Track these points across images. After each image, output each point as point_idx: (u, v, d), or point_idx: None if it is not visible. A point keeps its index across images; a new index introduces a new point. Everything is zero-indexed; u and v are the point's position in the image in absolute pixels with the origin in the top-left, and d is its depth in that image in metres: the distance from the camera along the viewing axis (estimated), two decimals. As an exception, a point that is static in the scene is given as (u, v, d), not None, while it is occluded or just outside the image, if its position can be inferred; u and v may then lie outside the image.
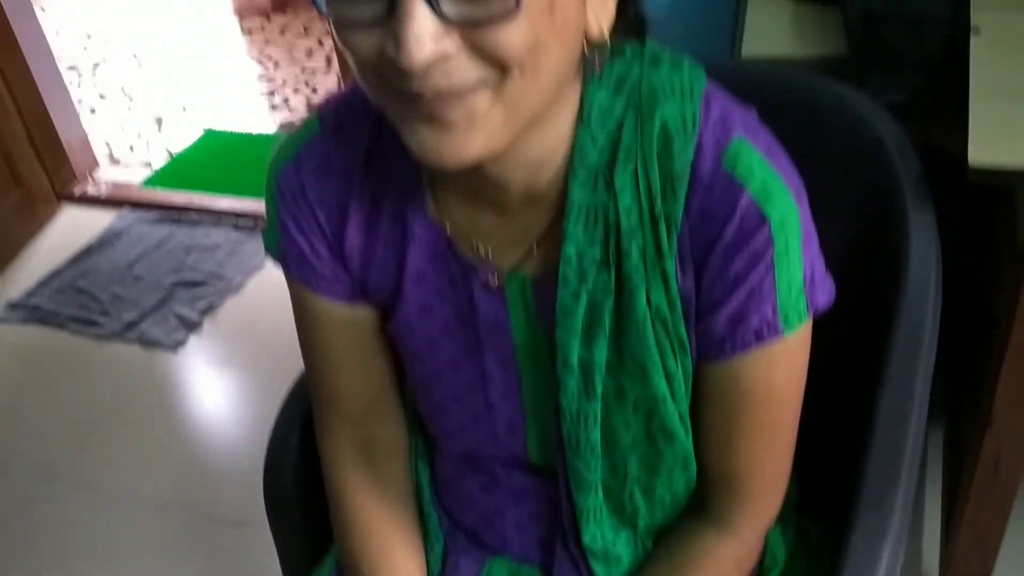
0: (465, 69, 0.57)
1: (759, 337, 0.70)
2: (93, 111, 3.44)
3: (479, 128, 0.59)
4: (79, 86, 3.65)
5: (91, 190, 2.85)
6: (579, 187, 0.69)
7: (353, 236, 0.78)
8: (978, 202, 1.30)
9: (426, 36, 0.54)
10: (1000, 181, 1.00)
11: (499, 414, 0.83)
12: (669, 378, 0.73)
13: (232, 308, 2.32)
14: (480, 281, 0.76)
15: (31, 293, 2.43)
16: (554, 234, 0.72)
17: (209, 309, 2.31)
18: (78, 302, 2.38)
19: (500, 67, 0.57)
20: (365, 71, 0.59)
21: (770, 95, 0.95)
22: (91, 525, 1.82)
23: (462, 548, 0.93)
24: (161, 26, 4.12)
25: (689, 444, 0.78)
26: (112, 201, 2.80)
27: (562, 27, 0.59)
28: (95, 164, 2.99)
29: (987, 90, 1.08)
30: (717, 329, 0.70)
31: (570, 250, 0.70)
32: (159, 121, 3.32)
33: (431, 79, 0.56)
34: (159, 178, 2.92)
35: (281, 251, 0.81)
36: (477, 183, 0.70)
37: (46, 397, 2.15)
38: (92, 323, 2.31)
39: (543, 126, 0.66)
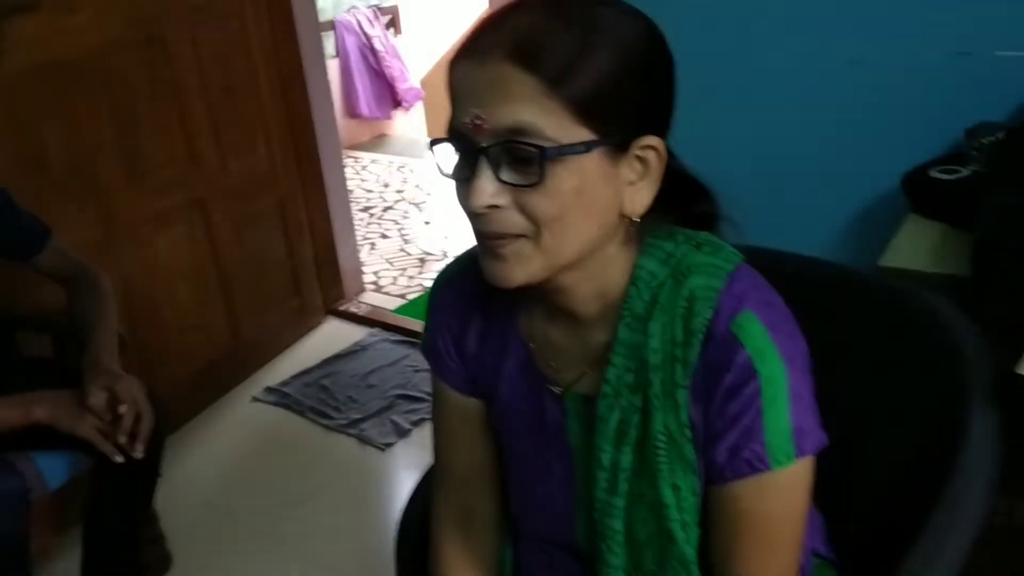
0: (511, 220, 0.80)
1: (751, 467, 0.84)
2: (373, 246, 4.04)
3: (522, 264, 0.82)
4: (367, 224, 4.30)
5: (353, 309, 3.37)
6: (625, 328, 0.89)
7: (471, 343, 1.02)
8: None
9: (486, 192, 0.79)
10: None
11: (557, 503, 1.00)
12: (675, 489, 0.88)
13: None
14: (549, 391, 0.97)
15: (285, 383, 2.92)
16: (603, 361, 0.91)
17: (420, 421, 2.66)
18: (319, 397, 2.83)
19: (535, 223, 0.80)
20: (466, 215, 0.85)
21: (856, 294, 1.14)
22: (281, 578, 2.16)
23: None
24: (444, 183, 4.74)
25: (687, 550, 0.91)
26: (367, 320, 3.30)
27: (590, 205, 0.80)
28: (362, 289, 3.52)
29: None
30: (719, 458, 0.85)
31: (611, 374, 0.90)
32: (422, 261, 3.85)
33: (486, 224, 0.81)
34: (409, 308, 3.40)
35: (425, 346, 1.07)
36: (554, 307, 0.92)
37: (275, 467, 2.56)
38: (325, 415, 2.74)
39: (596, 275, 0.87)
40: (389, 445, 2.59)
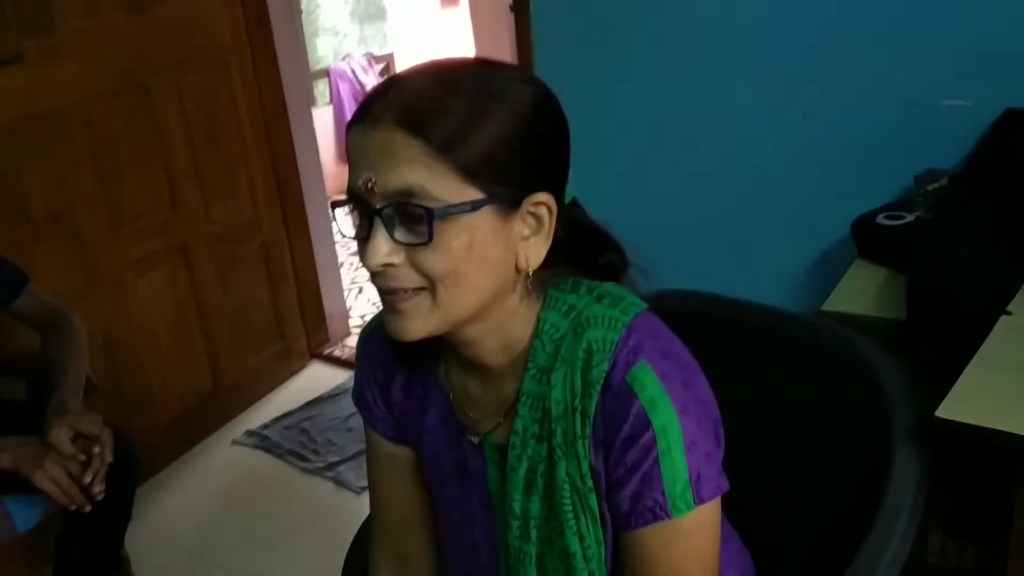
0: (407, 276, 0.82)
1: (654, 515, 0.85)
2: (361, 290, 4.09)
3: (419, 318, 0.84)
4: (356, 268, 4.35)
5: (337, 352, 3.41)
6: (530, 380, 0.91)
7: (396, 392, 1.05)
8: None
9: (381, 251, 0.81)
10: (964, 434, 1.14)
11: (482, 550, 1.01)
12: (581, 538, 0.90)
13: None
14: (468, 440, 0.98)
15: (266, 426, 2.95)
16: (513, 412, 0.93)
17: (396, 464, 2.68)
18: (298, 440, 2.86)
19: (430, 279, 0.82)
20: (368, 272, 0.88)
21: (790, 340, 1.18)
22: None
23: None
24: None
25: None
26: (349, 364, 3.34)
27: (482, 260, 0.82)
28: (348, 333, 3.56)
29: (991, 361, 1.23)
30: (623, 506, 0.87)
31: (518, 425, 0.92)
32: (408, 305, 3.88)
33: (384, 280, 0.84)
34: (392, 351, 3.42)
35: (355, 396, 1.09)
36: (466, 359, 0.95)
37: (252, 511, 2.58)
38: (304, 458, 2.76)
39: (499, 328, 0.89)
40: (364, 489, 2.60)
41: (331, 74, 5.54)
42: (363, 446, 2.76)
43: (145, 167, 2.62)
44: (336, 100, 5.56)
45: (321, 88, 5.57)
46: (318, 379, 3.25)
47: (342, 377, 3.24)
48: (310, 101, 3.27)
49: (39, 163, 2.33)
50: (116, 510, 1.86)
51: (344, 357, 3.37)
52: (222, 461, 2.80)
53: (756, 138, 2.14)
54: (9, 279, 1.88)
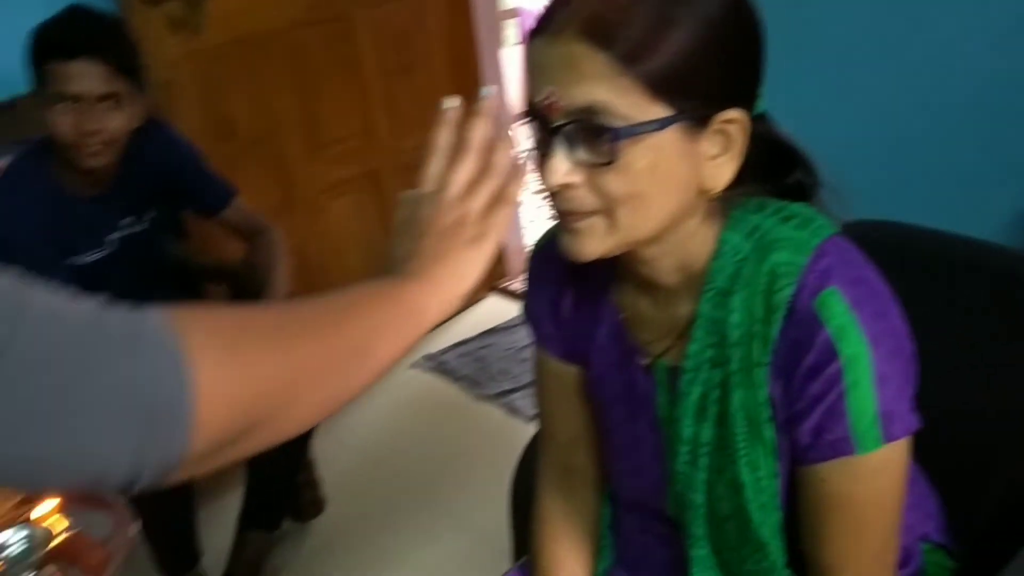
0: (585, 199, 0.80)
1: (835, 450, 0.82)
2: (539, 225, 4.11)
3: (595, 239, 0.82)
4: (536, 206, 4.38)
5: (515, 286, 3.46)
6: (707, 302, 0.88)
7: (566, 309, 1.04)
8: None
9: (559, 171, 0.78)
10: None
11: (647, 472, 1.01)
12: (753, 469, 0.88)
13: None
14: (637, 362, 0.97)
15: (443, 351, 3.04)
16: (687, 335, 0.90)
17: (567, 397, 2.71)
18: (474, 366, 2.93)
19: (609, 202, 0.79)
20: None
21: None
22: (424, 535, 2.27)
23: (620, 569, 1.15)
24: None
25: (763, 532, 0.90)
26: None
27: (665, 182, 0.79)
28: (524, 268, 3.59)
29: None
30: (803, 438, 0.84)
31: (692, 349, 0.89)
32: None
33: (561, 201, 0.81)
34: (569, 288, 3.44)
35: (526, 311, 1.10)
36: (640, 279, 0.93)
37: (427, 430, 2.69)
38: (477, 384, 2.84)
39: (677, 249, 0.86)
40: (535, 417, 2.63)
41: (522, 15, 5.53)
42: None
43: (342, 95, 2.72)
44: (525, 40, 5.56)
45: (509, 28, 5.57)
46: (495, 311, 3.31)
47: (518, 310, 3.28)
48: (499, 40, 3.28)
49: (246, 85, 2.46)
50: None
51: (520, 291, 3.40)
52: (401, 382, 2.91)
53: (975, 56, 1.86)
54: (219, 191, 2.01)
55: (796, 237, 0.85)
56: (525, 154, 0.82)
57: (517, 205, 0.80)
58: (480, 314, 3.31)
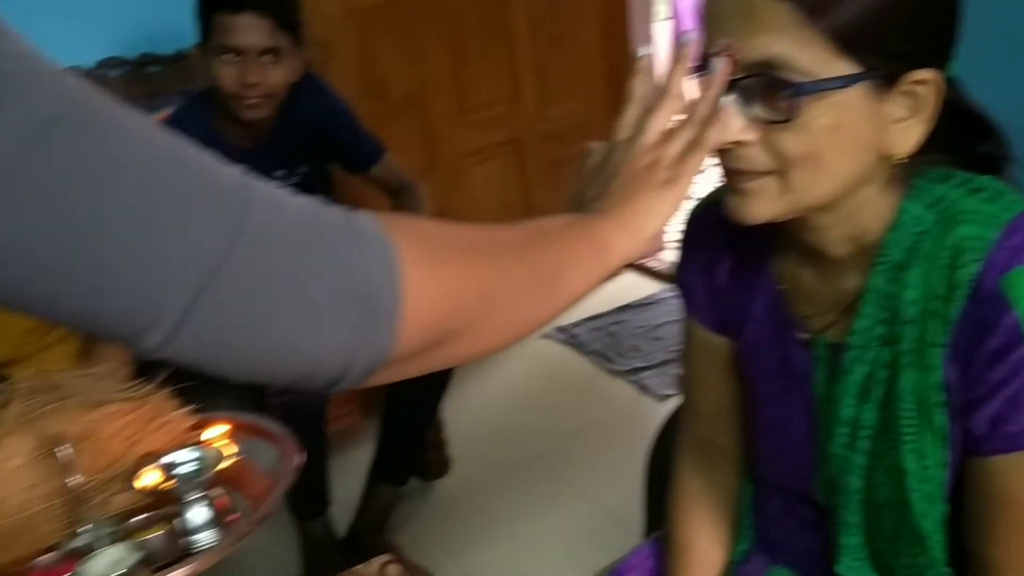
0: (758, 157, 0.75)
1: (1014, 443, 0.76)
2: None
3: (765, 201, 0.77)
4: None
5: (651, 264, 3.40)
6: (879, 276, 0.81)
7: (721, 277, 0.99)
8: None
9: (733, 126, 0.74)
10: None
11: (798, 453, 0.96)
12: (919, 457, 0.82)
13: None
14: (795, 337, 0.92)
15: (575, 324, 3.02)
16: (853, 310, 0.85)
17: (701, 379, 2.65)
18: (605, 341, 2.90)
19: (783, 162, 0.74)
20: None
21: None
22: (547, 506, 2.26)
23: (759, 552, 1.11)
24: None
25: (925, 524, 0.84)
26: (664, 276, 3.31)
27: (846, 144, 0.74)
28: (663, 247, 3.51)
29: None
30: (978, 428, 0.78)
31: (860, 324, 0.83)
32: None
33: (731, 159, 0.77)
34: (707, 269, 3.37)
35: (678, 279, 1.06)
36: (805, 248, 0.87)
37: (555, 402, 2.68)
38: (608, 359, 2.81)
39: (850, 217, 0.80)
40: (667, 396, 2.60)
41: (674, -11, 5.42)
42: (669, 356, 2.80)
43: (491, 60, 2.72)
44: (677, 15, 5.45)
45: (661, 3, 5.47)
46: (630, 287, 3.27)
47: (654, 288, 3.23)
48: (651, 14, 3.22)
49: (399, 46, 2.49)
50: (438, 377, 1.99)
51: (657, 269, 3.35)
52: (532, 352, 2.91)
53: None
54: (370, 148, 2.04)
55: (985, 210, 0.78)
56: (727, 100, 0.77)
57: (712, 151, 0.76)
58: (615, 290, 3.27)
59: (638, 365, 2.76)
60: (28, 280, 0.43)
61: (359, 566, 1.22)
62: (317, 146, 1.96)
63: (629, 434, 2.49)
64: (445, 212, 2.65)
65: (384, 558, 1.15)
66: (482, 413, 2.62)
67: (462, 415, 2.50)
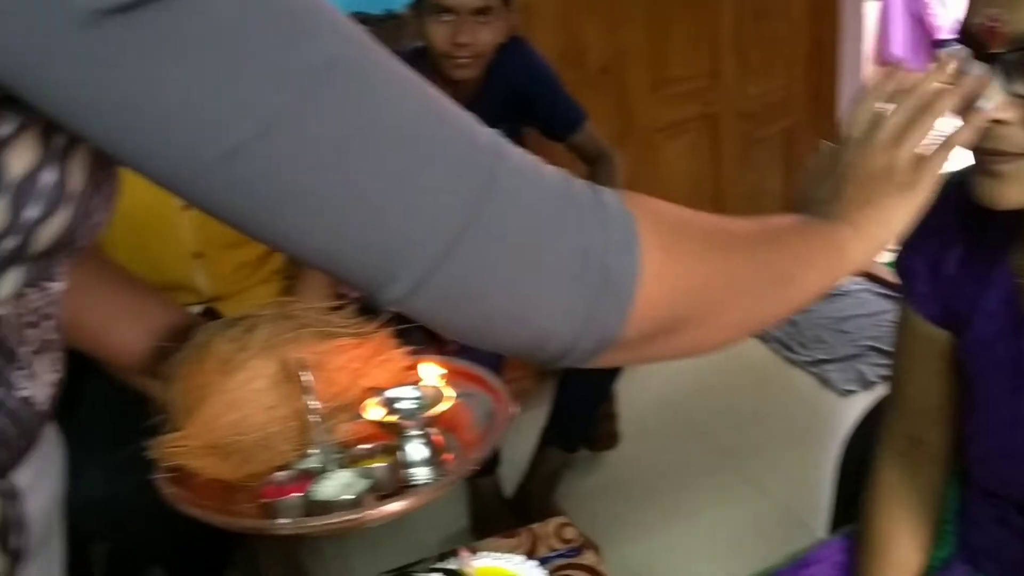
0: (1015, 138, 0.72)
1: None
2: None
3: (1019, 185, 0.74)
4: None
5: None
6: None
7: (950, 265, 0.94)
8: None
9: (993, 103, 0.71)
10: None
11: (1020, 458, 0.91)
12: None
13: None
14: None
15: (756, 310, 2.94)
16: None
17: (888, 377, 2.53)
18: (788, 330, 2.80)
19: None
20: None
21: None
22: (715, 492, 2.22)
23: (961, 559, 1.05)
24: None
25: None
26: (853, 269, 3.18)
27: None
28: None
29: None
30: None
31: None
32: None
33: (988, 139, 0.73)
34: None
35: (899, 263, 1.00)
36: None
37: (731, 386, 2.60)
38: (790, 348, 2.72)
39: None
40: (849, 392, 2.50)
41: (885, -32, 5.14)
42: (854, 350, 2.68)
43: (691, 33, 2.67)
44: (883, -4, 5.17)
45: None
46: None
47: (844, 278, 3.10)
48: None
49: (600, 14, 2.48)
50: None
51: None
52: (708, 335, 2.86)
53: None
54: (573, 115, 2.04)
55: None
56: (984, 104, 0.73)
57: (954, 153, 0.72)
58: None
59: (820, 357, 2.66)
60: (285, 217, 0.44)
61: (535, 524, 1.23)
62: (519, 109, 1.97)
63: (806, 427, 2.41)
64: (634, 185, 2.63)
65: (561, 519, 1.16)
66: (654, 389, 2.60)
67: (634, 389, 2.48)
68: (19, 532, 0.55)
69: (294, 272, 1.80)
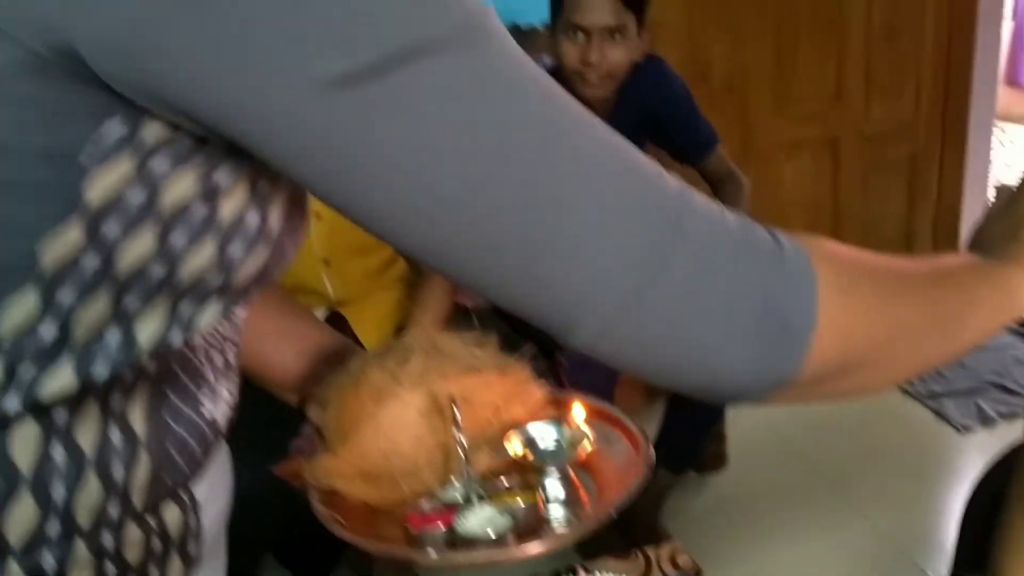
0: None
1: None
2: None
3: None
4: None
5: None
6: None
7: None
8: None
9: None
10: None
11: None
12: None
13: None
14: None
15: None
16: None
17: (1010, 415, 2.43)
18: (903, 360, 2.73)
19: None
20: None
21: None
22: (823, 523, 2.18)
23: None
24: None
25: None
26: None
27: None
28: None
29: None
30: None
31: None
32: None
33: None
34: None
35: None
36: None
37: (844, 416, 2.49)
38: (906, 380, 2.64)
39: None
40: (967, 428, 2.42)
41: (1017, -15, 4.93)
42: (975, 385, 2.58)
43: (818, 52, 2.62)
44: (1019, 15, 4.96)
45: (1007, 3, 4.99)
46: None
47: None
48: (1001, 12, 2.95)
49: (726, 31, 2.45)
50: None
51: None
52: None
53: None
54: (706, 136, 2.00)
55: None
56: None
57: None
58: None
59: (936, 390, 2.58)
60: (488, 267, 0.47)
61: (649, 548, 1.23)
62: (651, 129, 1.96)
63: (919, 462, 2.34)
64: (751, 206, 2.60)
65: (675, 544, 1.16)
66: (763, 413, 2.54)
67: (743, 412, 2.45)
68: (196, 541, 0.59)
69: (416, 280, 1.84)
